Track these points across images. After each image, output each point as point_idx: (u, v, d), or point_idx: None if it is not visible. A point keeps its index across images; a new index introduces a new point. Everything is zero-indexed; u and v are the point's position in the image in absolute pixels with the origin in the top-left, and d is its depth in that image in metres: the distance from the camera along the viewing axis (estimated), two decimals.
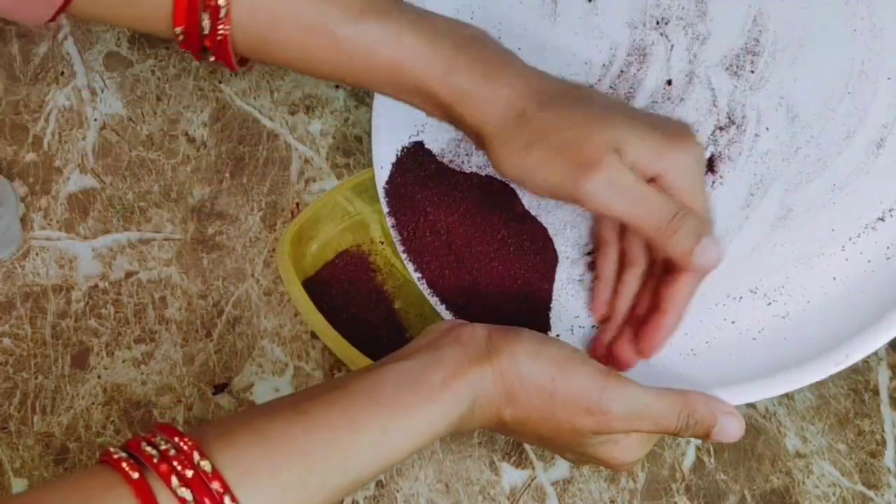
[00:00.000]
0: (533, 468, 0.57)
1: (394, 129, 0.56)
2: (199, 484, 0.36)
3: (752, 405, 0.60)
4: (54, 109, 0.66)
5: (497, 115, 0.45)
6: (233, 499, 0.37)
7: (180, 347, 0.59)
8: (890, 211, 0.48)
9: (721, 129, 0.51)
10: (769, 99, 0.50)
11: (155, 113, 0.66)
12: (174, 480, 0.36)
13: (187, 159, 0.65)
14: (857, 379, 0.61)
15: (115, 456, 0.37)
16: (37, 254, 0.61)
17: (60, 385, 0.57)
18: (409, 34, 0.45)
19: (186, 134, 0.66)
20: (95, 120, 0.66)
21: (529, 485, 0.57)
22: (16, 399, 0.57)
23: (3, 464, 0.55)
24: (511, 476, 0.57)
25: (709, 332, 0.50)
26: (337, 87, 0.69)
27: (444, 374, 0.43)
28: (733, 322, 0.50)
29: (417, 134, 0.56)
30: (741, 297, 0.50)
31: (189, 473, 0.37)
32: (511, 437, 0.49)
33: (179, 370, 0.58)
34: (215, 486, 0.37)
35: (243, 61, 0.48)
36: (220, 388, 0.58)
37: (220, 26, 0.45)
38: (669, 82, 0.52)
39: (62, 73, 0.67)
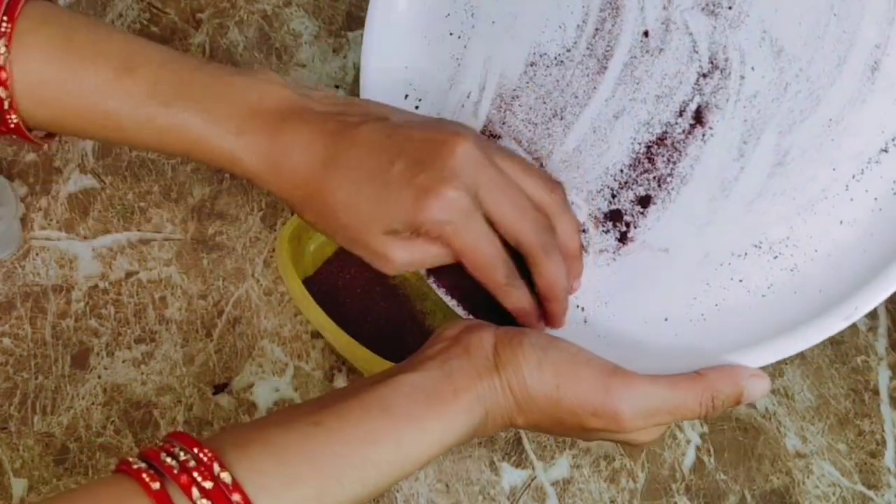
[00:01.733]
0: (533, 468, 0.57)
1: None
2: (219, 495, 0.36)
3: (751, 405, 0.60)
4: None
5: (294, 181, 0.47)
6: None
7: (180, 347, 0.59)
8: (893, 140, 0.45)
9: (704, 76, 0.49)
10: (751, 35, 0.48)
11: None
12: (195, 492, 0.36)
13: (187, 159, 0.65)
14: (857, 379, 0.61)
15: (135, 466, 0.37)
16: (37, 254, 0.61)
17: (60, 385, 0.57)
18: (195, 119, 0.47)
19: None
20: None
21: (529, 485, 0.57)
22: (16, 399, 0.57)
23: (3, 464, 0.55)
24: (511, 476, 0.57)
25: (717, 295, 0.48)
26: (337, 86, 0.69)
27: (454, 387, 0.43)
28: (741, 281, 0.48)
29: None
30: (746, 254, 0.48)
31: (209, 485, 0.36)
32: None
33: (179, 370, 0.58)
34: (236, 498, 0.37)
35: (50, 135, 0.50)
36: (220, 388, 0.58)
37: (9, 116, 0.47)
38: (646, 33, 0.50)
39: None
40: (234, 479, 0.37)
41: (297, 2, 0.71)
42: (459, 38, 0.55)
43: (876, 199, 0.46)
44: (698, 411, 0.44)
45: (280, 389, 0.58)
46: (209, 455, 0.38)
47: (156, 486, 0.36)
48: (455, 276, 0.53)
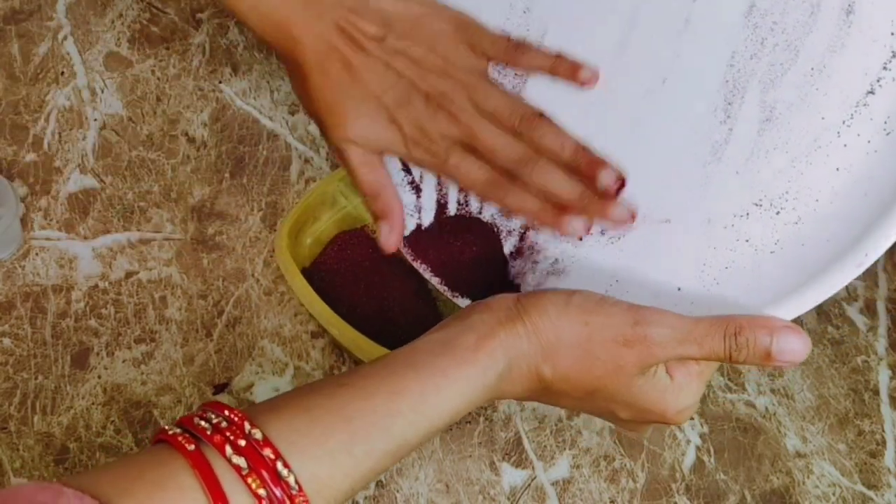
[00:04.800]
0: (533, 468, 0.57)
1: None
2: (251, 452, 0.38)
3: (751, 405, 0.60)
4: (54, 109, 0.66)
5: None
6: (285, 464, 0.38)
7: (180, 347, 0.59)
8: (878, 81, 0.45)
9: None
10: None
11: (155, 113, 0.66)
12: (228, 449, 0.37)
13: (187, 159, 0.65)
14: (857, 379, 0.61)
15: (170, 432, 0.39)
16: (37, 254, 0.61)
17: (60, 385, 0.57)
18: None
19: (186, 134, 0.66)
20: (95, 120, 0.66)
21: (529, 485, 0.57)
22: (16, 399, 0.57)
23: (4, 464, 0.55)
24: (511, 476, 0.57)
25: (726, 257, 0.48)
26: None
27: (476, 336, 0.44)
28: (747, 240, 0.48)
29: None
30: (748, 214, 0.48)
31: (242, 442, 0.38)
32: (557, 404, 0.48)
33: (179, 370, 0.58)
34: (267, 452, 0.38)
35: None
36: (220, 388, 0.58)
37: None
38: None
39: (62, 73, 0.67)
40: (264, 436, 0.38)
41: None
42: None
43: (869, 141, 0.45)
44: (723, 347, 0.44)
45: (280, 389, 0.58)
46: (239, 416, 0.39)
47: (191, 447, 0.37)
48: (452, 269, 0.53)
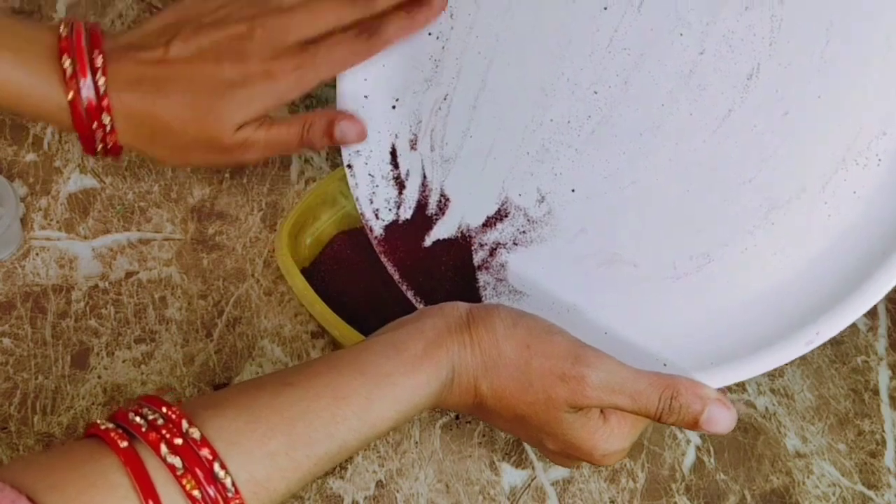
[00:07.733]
0: (533, 468, 0.57)
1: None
2: (188, 451, 0.36)
3: (751, 405, 0.60)
4: None
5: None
6: (222, 466, 0.37)
7: (180, 347, 0.59)
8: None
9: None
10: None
11: None
12: (163, 448, 0.36)
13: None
14: (857, 379, 0.61)
15: (103, 427, 0.37)
16: (37, 254, 0.61)
17: (60, 385, 0.57)
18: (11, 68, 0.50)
19: None
20: None
21: (529, 485, 0.57)
22: (16, 399, 0.57)
23: (3, 464, 0.55)
24: (511, 476, 0.57)
25: (678, 313, 0.49)
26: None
27: (425, 342, 0.44)
28: (703, 299, 0.49)
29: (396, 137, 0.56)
30: (709, 273, 0.49)
31: (178, 441, 0.37)
32: (491, 423, 0.49)
33: (179, 370, 0.58)
34: (204, 453, 0.37)
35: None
36: (220, 389, 0.58)
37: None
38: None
39: None
40: (202, 435, 0.37)
41: None
42: (438, 38, 0.55)
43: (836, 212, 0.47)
44: (656, 406, 0.44)
45: None
46: (177, 413, 0.38)
47: (123, 444, 0.36)
48: (417, 274, 0.54)
